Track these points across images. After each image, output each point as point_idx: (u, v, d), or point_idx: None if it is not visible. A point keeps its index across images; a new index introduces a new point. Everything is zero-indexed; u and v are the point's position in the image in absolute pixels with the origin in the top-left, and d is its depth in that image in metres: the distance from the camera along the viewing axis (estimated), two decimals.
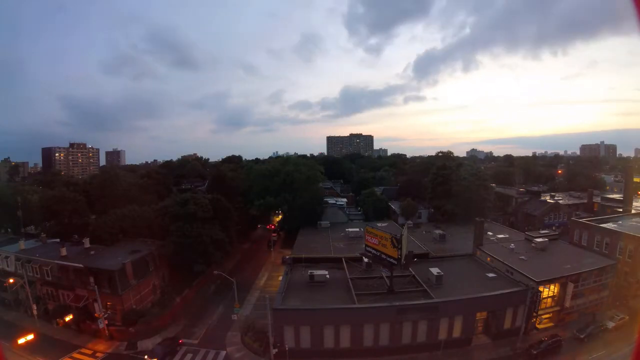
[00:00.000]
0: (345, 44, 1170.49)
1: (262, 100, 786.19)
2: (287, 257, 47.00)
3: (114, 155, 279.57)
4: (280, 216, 64.89)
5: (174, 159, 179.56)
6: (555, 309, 35.95)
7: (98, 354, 33.59)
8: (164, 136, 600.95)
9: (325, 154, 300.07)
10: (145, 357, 31.68)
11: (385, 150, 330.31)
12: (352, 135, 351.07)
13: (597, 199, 71.75)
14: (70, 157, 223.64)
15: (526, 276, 34.62)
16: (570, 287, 34.97)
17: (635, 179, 68.00)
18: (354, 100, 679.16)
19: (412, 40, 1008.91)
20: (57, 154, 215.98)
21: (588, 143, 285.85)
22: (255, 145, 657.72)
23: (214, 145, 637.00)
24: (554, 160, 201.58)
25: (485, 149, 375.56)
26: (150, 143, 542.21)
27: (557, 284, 35.50)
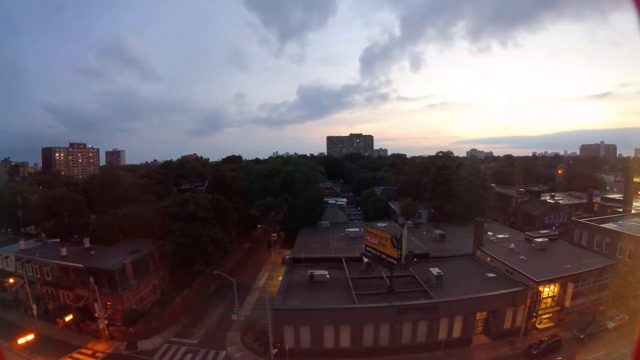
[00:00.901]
0: (264, 55, 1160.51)
1: (228, 103, 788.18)
2: (287, 257, 47.04)
3: (114, 155, 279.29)
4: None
5: (174, 159, 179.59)
6: (555, 309, 35.93)
7: (98, 354, 33.62)
8: (159, 137, 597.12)
9: (326, 153, 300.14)
10: None
11: (385, 150, 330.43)
12: (352, 135, 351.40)
13: (597, 199, 71.77)
14: (70, 157, 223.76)
15: (526, 276, 34.58)
16: (570, 287, 34.96)
17: (635, 179, 67.87)
18: (314, 100, 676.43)
19: (344, 43, 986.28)
20: (57, 154, 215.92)
21: (588, 143, 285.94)
22: (252, 145, 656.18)
23: (211, 144, 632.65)
24: (554, 160, 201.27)
25: (485, 148, 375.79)
26: (145, 144, 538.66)
27: (557, 284, 35.47)
